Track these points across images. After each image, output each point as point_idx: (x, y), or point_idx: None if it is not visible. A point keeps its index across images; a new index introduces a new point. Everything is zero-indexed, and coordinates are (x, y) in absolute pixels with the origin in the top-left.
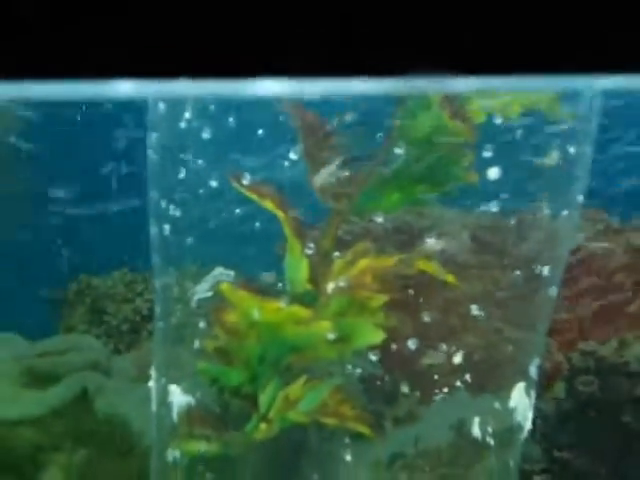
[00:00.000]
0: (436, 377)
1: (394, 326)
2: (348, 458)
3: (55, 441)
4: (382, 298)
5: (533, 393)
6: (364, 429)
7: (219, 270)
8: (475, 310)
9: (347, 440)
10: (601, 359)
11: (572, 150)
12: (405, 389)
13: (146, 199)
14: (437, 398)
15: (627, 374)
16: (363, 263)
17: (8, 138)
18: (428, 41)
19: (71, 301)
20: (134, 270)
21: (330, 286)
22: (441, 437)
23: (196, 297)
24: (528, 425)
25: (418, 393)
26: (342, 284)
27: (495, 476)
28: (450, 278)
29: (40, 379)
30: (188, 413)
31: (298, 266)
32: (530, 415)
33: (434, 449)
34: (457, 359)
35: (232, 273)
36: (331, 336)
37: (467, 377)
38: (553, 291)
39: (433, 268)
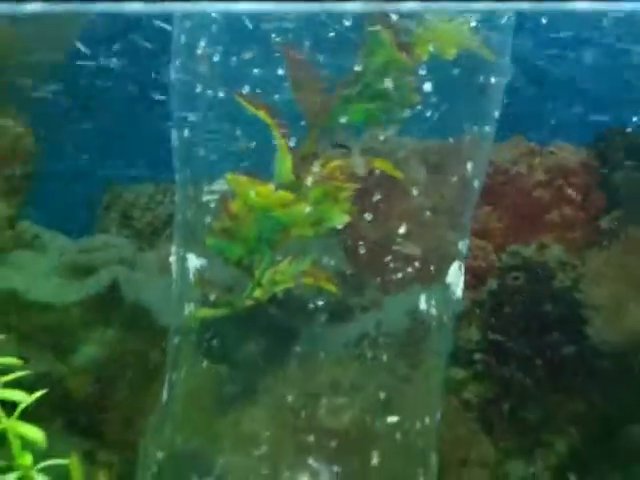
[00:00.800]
0: (395, 272)
1: (359, 222)
2: (324, 337)
3: (90, 322)
4: (348, 191)
5: (463, 269)
6: (332, 288)
7: (221, 181)
8: (427, 216)
9: (323, 320)
10: (526, 259)
11: (493, 80)
12: (370, 282)
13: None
14: (395, 290)
15: (545, 270)
16: (334, 163)
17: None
18: None
19: (105, 208)
20: (156, 184)
21: (309, 180)
22: (398, 321)
23: (205, 198)
24: (460, 294)
25: (380, 285)
26: (318, 178)
27: (438, 353)
28: (398, 174)
29: (79, 271)
30: (201, 274)
31: (284, 161)
32: (461, 289)
33: (392, 331)
34: (412, 256)
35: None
36: (310, 218)
37: (419, 271)
38: (477, 192)
39: (386, 166)
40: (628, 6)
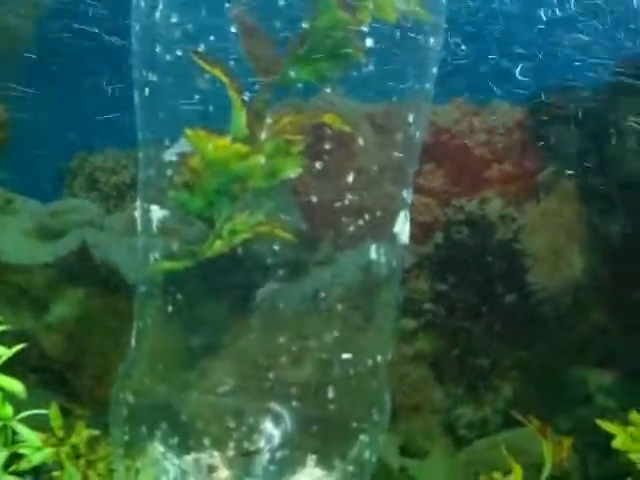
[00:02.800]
0: (346, 227)
1: (309, 179)
2: (281, 292)
3: (61, 282)
4: (300, 145)
5: (408, 217)
6: (287, 236)
7: (183, 140)
8: (373, 173)
9: (280, 275)
10: (468, 213)
11: (431, 41)
12: (323, 237)
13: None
14: (347, 244)
15: (487, 223)
16: (286, 118)
17: None
18: None
19: (74, 172)
20: (120, 148)
21: (263, 134)
22: (351, 275)
23: (167, 158)
24: (406, 241)
25: (333, 240)
26: (270, 133)
27: (388, 305)
28: (346, 128)
29: (50, 234)
30: (164, 225)
31: (239, 117)
32: (407, 236)
33: (346, 285)
34: (360, 209)
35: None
36: (265, 169)
37: (369, 224)
38: (419, 147)
39: (335, 120)
40: None
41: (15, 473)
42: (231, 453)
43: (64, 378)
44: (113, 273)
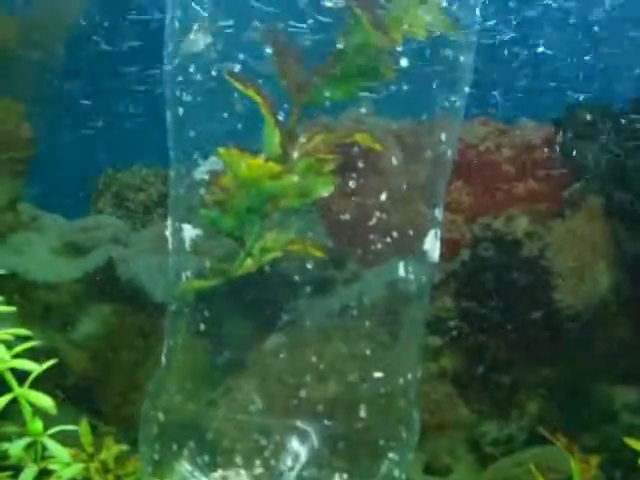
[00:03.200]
0: (374, 244)
1: (338, 197)
2: (308, 309)
3: (87, 299)
4: (331, 164)
5: (439, 235)
6: (318, 253)
7: (213, 158)
8: (402, 191)
9: (306, 292)
10: (495, 230)
11: (462, 58)
12: (350, 255)
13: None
14: (375, 262)
15: (514, 241)
16: (318, 137)
17: None
18: None
19: (100, 190)
20: (148, 166)
21: (295, 154)
22: (378, 292)
23: (198, 176)
24: (436, 259)
25: (360, 258)
26: (303, 152)
27: (416, 322)
28: (377, 147)
29: (76, 250)
30: (195, 243)
31: (272, 136)
32: (438, 255)
33: (373, 302)
34: (388, 227)
35: (221, 162)
36: (297, 189)
37: (397, 242)
38: (449, 165)
39: (366, 139)
40: None
41: None
42: (258, 471)
43: (90, 395)
44: (139, 291)
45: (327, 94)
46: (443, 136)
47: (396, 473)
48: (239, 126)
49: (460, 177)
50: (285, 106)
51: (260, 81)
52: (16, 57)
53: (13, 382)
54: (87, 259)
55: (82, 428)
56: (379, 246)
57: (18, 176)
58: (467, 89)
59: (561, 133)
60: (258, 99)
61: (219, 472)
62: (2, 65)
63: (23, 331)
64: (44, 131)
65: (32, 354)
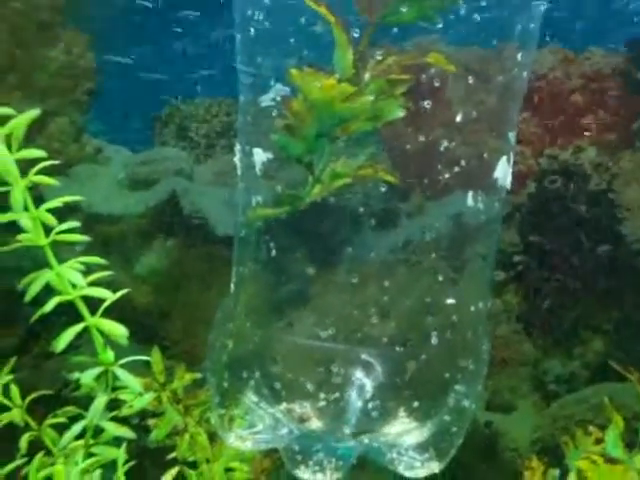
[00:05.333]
0: (439, 176)
1: (403, 126)
2: (372, 242)
3: (150, 233)
4: (403, 86)
5: (512, 159)
6: (391, 178)
7: (280, 86)
8: (467, 119)
9: (372, 222)
10: (563, 162)
11: None
12: (415, 187)
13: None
14: (440, 194)
15: (582, 173)
16: (390, 58)
17: None
18: None
19: (164, 122)
20: (211, 96)
21: (367, 75)
22: (442, 227)
23: (265, 102)
24: (508, 186)
25: (426, 190)
26: (375, 73)
27: (481, 256)
28: (452, 68)
29: (139, 183)
30: (266, 167)
31: (345, 56)
32: (509, 180)
33: (436, 237)
34: (457, 158)
35: (288, 89)
36: (368, 112)
37: (463, 173)
38: (523, 89)
39: (440, 60)
40: None
41: (116, 419)
42: (322, 404)
43: (154, 330)
44: (202, 224)
45: (400, 13)
46: (517, 59)
47: (465, 404)
48: (311, 49)
49: (528, 108)
50: (355, 27)
51: (332, 0)
52: None
53: (85, 311)
54: (151, 192)
55: (154, 356)
56: (446, 176)
57: (82, 107)
58: (542, 9)
59: (632, 62)
60: (331, 18)
61: (284, 404)
62: None
63: (97, 259)
64: (108, 63)
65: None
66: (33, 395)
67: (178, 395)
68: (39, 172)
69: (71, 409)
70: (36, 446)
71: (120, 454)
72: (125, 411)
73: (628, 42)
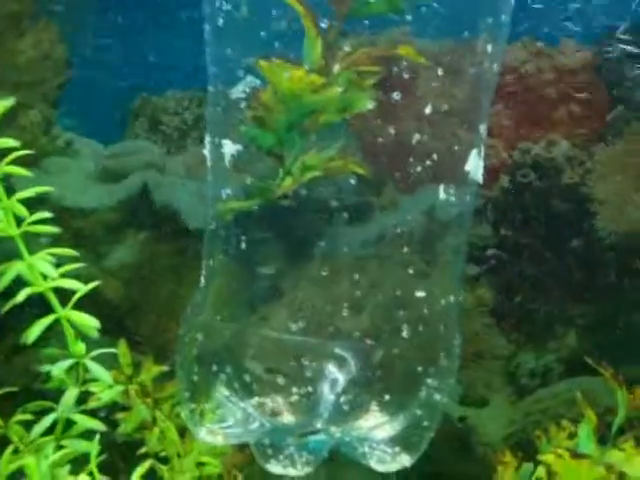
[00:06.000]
0: (412, 170)
1: (374, 119)
2: (344, 236)
3: (121, 226)
4: (373, 78)
5: (482, 152)
6: (361, 170)
7: (250, 77)
8: (437, 113)
9: (345, 216)
10: (535, 155)
11: None
12: (388, 181)
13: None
14: (412, 188)
15: (554, 167)
16: (360, 50)
17: None
18: None
19: (135, 114)
20: (182, 89)
21: (336, 67)
22: (414, 220)
23: (235, 94)
24: (479, 179)
25: (398, 184)
26: (345, 64)
27: (453, 249)
28: (422, 60)
29: (110, 176)
30: (236, 159)
31: (314, 46)
32: (480, 173)
33: (409, 229)
34: (428, 152)
35: (259, 81)
36: (338, 103)
37: (435, 166)
38: (494, 81)
39: (410, 52)
40: None
41: (85, 412)
42: (294, 398)
43: (124, 324)
44: (174, 217)
45: (369, 4)
46: (487, 50)
47: (437, 397)
48: (280, 40)
49: (500, 101)
50: (324, 19)
51: None
52: None
53: (56, 303)
54: (122, 185)
55: (120, 348)
56: (418, 169)
57: (52, 99)
58: (512, 1)
59: (604, 55)
60: (299, 9)
61: (255, 399)
62: None
63: (69, 251)
64: (78, 55)
65: None
66: (1, 391)
67: (147, 388)
68: (10, 163)
69: (41, 403)
70: (3, 442)
71: (93, 446)
72: (93, 403)
73: (602, 33)
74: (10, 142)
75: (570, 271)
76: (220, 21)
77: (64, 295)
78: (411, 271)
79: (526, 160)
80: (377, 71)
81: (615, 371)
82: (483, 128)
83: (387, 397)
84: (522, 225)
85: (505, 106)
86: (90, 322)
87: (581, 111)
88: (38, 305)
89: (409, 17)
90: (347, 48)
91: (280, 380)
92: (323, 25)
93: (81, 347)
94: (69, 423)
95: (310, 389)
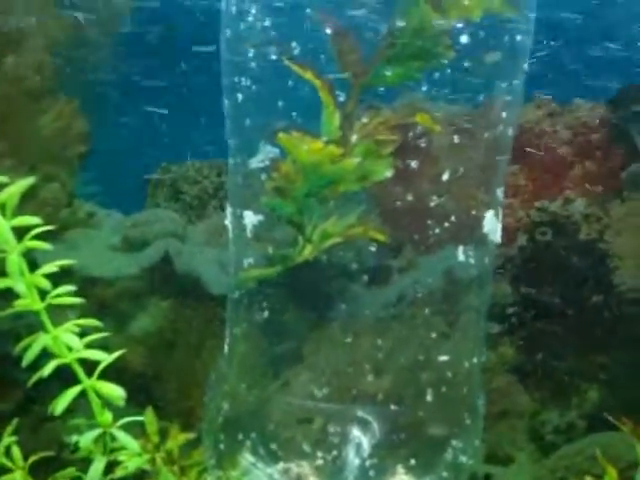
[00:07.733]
0: (430, 230)
1: (393, 183)
2: (365, 298)
3: (144, 294)
4: (391, 146)
5: (500, 214)
6: (381, 237)
7: (269, 147)
8: (454, 176)
9: (365, 279)
10: (552, 214)
11: (518, 38)
12: (406, 243)
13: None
14: (430, 250)
15: (571, 223)
16: (377, 119)
17: None
18: None
19: (155, 183)
20: (202, 159)
21: (354, 137)
22: (434, 281)
23: (254, 164)
24: (498, 240)
25: (417, 246)
26: (363, 134)
27: (474, 309)
28: (437, 128)
29: (132, 245)
30: (257, 229)
31: (331, 118)
32: (499, 235)
33: (429, 291)
34: (446, 214)
35: (277, 150)
36: (356, 172)
37: (453, 228)
38: (509, 144)
39: (426, 120)
40: None
41: None
42: (319, 462)
43: (148, 391)
44: (196, 285)
45: (386, 76)
46: (502, 116)
47: (462, 459)
48: (298, 112)
49: (516, 160)
50: (341, 90)
51: (318, 65)
52: (69, 56)
53: (81, 373)
54: (144, 254)
55: (147, 416)
56: (436, 231)
57: (73, 172)
58: (525, 67)
59: (618, 112)
60: (317, 82)
61: (281, 464)
62: (57, 64)
63: (93, 321)
64: (98, 128)
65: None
66: (34, 457)
67: (173, 456)
68: (33, 238)
69: (71, 471)
70: None
71: None
72: (120, 472)
73: (615, 90)
74: (31, 220)
75: (590, 327)
76: (239, 95)
77: (89, 364)
78: (433, 333)
79: (543, 218)
80: (394, 140)
81: (636, 425)
82: (500, 191)
83: (413, 460)
84: (542, 282)
85: (522, 166)
86: (116, 392)
87: (596, 169)
88: (64, 375)
89: (424, 85)
90: (364, 118)
91: (305, 445)
92: (340, 99)
93: (108, 417)
94: None
95: (335, 453)
